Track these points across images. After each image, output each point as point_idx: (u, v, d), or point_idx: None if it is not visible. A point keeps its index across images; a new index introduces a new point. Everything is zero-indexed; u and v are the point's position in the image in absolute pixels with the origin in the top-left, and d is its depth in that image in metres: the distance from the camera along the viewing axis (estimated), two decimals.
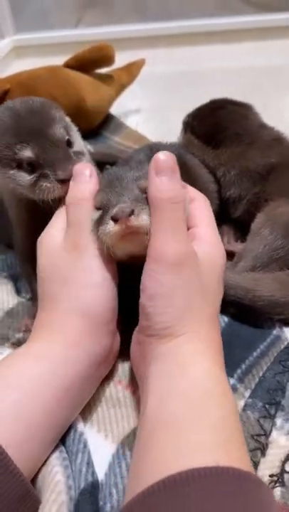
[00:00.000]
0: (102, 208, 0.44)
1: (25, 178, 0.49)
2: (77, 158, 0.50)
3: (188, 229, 0.45)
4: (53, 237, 0.47)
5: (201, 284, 0.42)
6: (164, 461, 0.32)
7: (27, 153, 0.48)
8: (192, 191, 0.50)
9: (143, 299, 0.41)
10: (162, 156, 0.42)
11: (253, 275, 0.56)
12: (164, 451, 0.33)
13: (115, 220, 0.41)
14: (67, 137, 0.51)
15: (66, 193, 0.48)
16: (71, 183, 0.49)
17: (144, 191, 0.44)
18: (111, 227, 0.41)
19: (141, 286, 0.42)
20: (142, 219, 0.41)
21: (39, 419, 0.38)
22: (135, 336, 0.45)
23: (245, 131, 0.71)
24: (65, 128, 0.51)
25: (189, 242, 0.43)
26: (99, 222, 0.44)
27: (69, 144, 0.51)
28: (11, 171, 0.49)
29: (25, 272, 0.61)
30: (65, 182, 0.48)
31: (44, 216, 0.51)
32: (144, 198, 0.44)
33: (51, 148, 0.48)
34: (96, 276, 0.44)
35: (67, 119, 0.55)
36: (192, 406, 0.35)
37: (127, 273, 0.46)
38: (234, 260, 0.62)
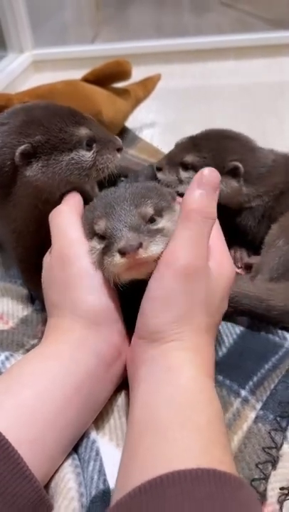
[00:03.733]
0: (107, 237, 0.45)
1: (87, 155, 0.51)
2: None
3: None
4: (48, 253, 0.49)
5: (206, 296, 0.43)
6: (148, 464, 0.33)
7: (84, 130, 0.51)
8: None
9: (144, 300, 0.43)
10: (208, 171, 0.43)
11: (267, 285, 0.57)
12: (149, 455, 0.34)
13: (122, 253, 0.41)
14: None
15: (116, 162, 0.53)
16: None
17: (146, 219, 0.45)
18: (118, 260, 0.42)
19: (147, 287, 0.43)
20: (150, 251, 0.42)
21: (51, 418, 0.38)
22: (131, 341, 0.46)
23: (271, 161, 0.70)
24: None
25: (206, 258, 0.43)
26: (103, 252, 0.44)
27: None
28: (71, 154, 0.50)
29: (32, 286, 0.63)
30: (120, 151, 0.53)
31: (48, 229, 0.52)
32: (148, 227, 0.44)
33: (99, 126, 0.53)
34: (91, 279, 0.45)
35: None
36: (177, 410, 0.37)
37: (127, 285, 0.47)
38: (251, 274, 0.62)
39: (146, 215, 0.45)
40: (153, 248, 0.42)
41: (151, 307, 0.42)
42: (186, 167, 0.68)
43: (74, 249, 0.46)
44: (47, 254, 0.50)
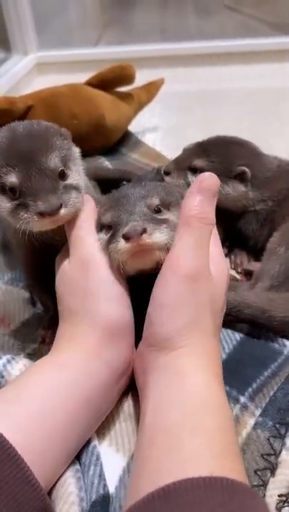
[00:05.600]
0: (113, 226, 0.45)
1: (5, 204, 0.46)
2: (65, 192, 0.46)
3: None
4: (62, 261, 0.49)
5: (211, 300, 0.43)
6: (161, 470, 0.33)
7: (11, 178, 0.45)
8: None
9: (150, 308, 0.43)
10: (208, 177, 0.44)
11: (268, 295, 0.57)
12: (162, 460, 0.34)
13: (127, 238, 0.42)
14: (61, 168, 0.46)
15: (45, 225, 0.45)
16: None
17: (152, 209, 0.46)
18: (122, 245, 0.42)
19: (151, 295, 0.43)
20: (155, 237, 0.43)
21: (60, 428, 0.38)
22: (139, 348, 0.46)
23: (276, 167, 0.72)
24: (63, 158, 0.47)
25: (208, 263, 0.44)
26: (109, 240, 0.45)
27: (62, 175, 0.47)
28: None
29: (33, 288, 0.63)
30: (44, 215, 0.43)
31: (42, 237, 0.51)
32: (153, 216, 0.45)
33: (38, 176, 0.44)
34: (112, 289, 0.45)
35: (73, 150, 0.51)
36: (189, 416, 0.37)
37: (133, 289, 0.48)
38: (252, 281, 0.63)
39: (151, 204, 0.46)
40: (157, 235, 0.43)
41: (159, 316, 0.42)
42: (194, 171, 0.69)
43: (94, 258, 0.46)
44: (61, 257, 0.49)
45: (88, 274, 0.45)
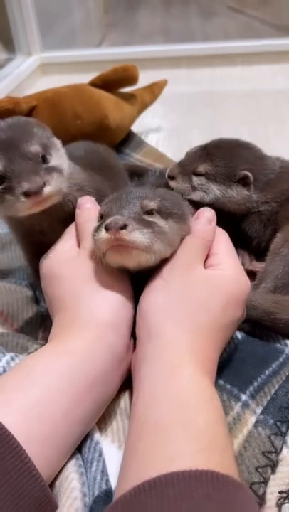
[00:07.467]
0: (103, 217, 0.47)
1: None
2: (47, 173, 0.48)
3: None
4: (67, 251, 0.51)
5: (206, 297, 0.45)
6: (147, 465, 0.34)
7: None
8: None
9: (142, 297, 0.46)
10: (205, 210, 0.53)
11: (273, 297, 0.58)
12: (148, 455, 0.35)
13: (107, 229, 0.43)
14: (42, 153, 0.49)
15: (32, 207, 0.47)
16: (77, 210, 0.53)
17: (145, 210, 0.46)
18: (102, 234, 0.44)
19: (147, 285, 0.47)
20: (133, 236, 0.43)
21: (61, 416, 0.39)
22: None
23: (279, 168, 0.72)
24: (44, 145, 0.50)
25: (201, 267, 0.48)
26: (95, 229, 0.47)
27: (44, 159, 0.49)
28: None
29: (36, 285, 0.64)
30: (30, 195, 0.45)
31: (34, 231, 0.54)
32: (143, 217, 0.46)
33: (20, 160, 0.47)
34: (116, 275, 0.47)
35: (54, 139, 0.53)
36: (177, 411, 0.37)
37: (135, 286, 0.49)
38: (255, 282, 0.63)
39: (146, 206, 0.46)
40: (137, 235, 0.43)
41: (148, 305, 0.45)
42: (199, 175, 0.69)
43: None
44: (65, 247, 0.51)
45: (95, 262, 0.48)
